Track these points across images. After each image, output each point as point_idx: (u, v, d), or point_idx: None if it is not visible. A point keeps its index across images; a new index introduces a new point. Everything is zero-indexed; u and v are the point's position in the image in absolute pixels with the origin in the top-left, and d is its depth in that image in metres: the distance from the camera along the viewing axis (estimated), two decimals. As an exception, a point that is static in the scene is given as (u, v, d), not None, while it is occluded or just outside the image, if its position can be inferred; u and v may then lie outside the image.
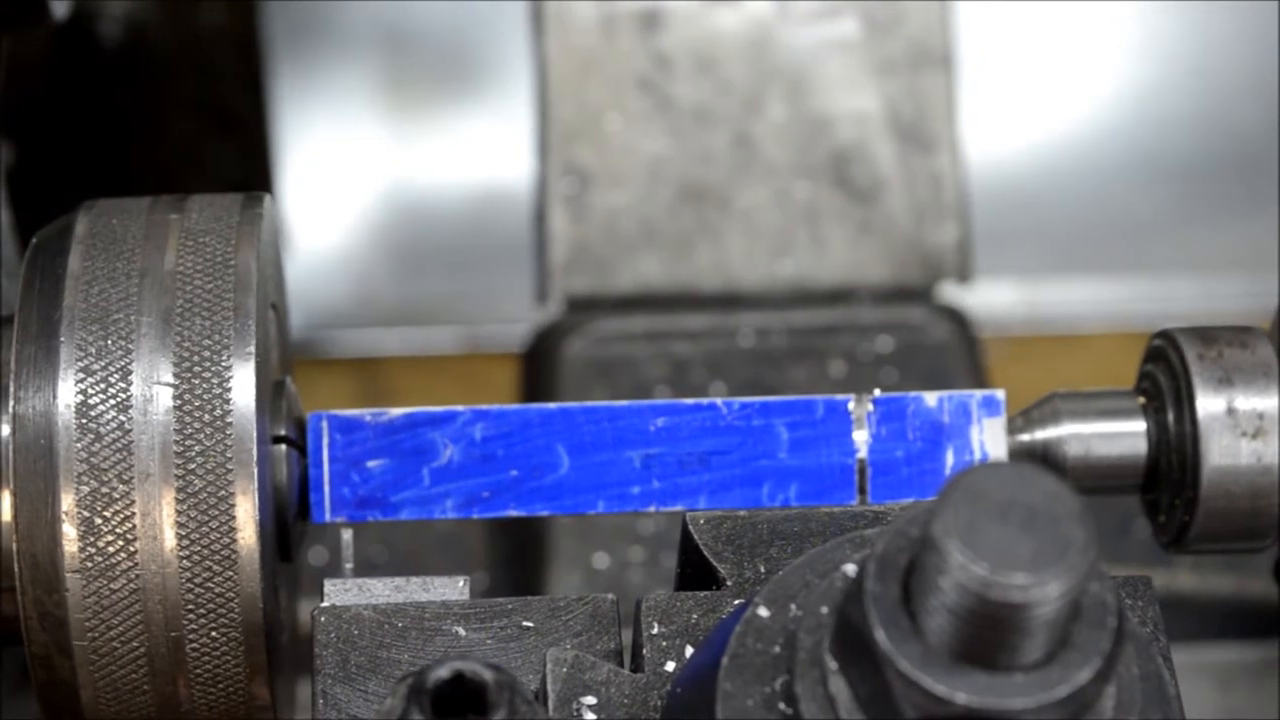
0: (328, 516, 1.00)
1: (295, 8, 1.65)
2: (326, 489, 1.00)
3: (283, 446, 0.99)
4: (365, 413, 1.00)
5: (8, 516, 0.94)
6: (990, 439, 1.02)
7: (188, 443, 0.93)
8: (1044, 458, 1.03)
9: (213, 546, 0.93)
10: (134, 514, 0.93)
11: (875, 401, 1.02)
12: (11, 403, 0.94)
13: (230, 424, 0.93)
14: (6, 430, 0.94)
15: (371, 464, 1.00)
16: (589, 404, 1.01)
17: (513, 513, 1.01)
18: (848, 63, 1.34)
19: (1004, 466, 0.75)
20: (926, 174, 1.33)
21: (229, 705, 0.96)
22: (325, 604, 0.93)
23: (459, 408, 1.01)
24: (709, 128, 1.34)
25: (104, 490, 0.93)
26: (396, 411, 1.01)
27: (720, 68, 1.34)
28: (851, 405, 1.02)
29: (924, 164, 1.33)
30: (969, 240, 1.34)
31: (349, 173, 1.67)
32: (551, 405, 1.02)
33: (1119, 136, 1.70)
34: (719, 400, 1.02)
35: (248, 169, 1.48)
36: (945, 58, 1.35)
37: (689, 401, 1.02)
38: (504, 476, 1.01)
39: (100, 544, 0.93)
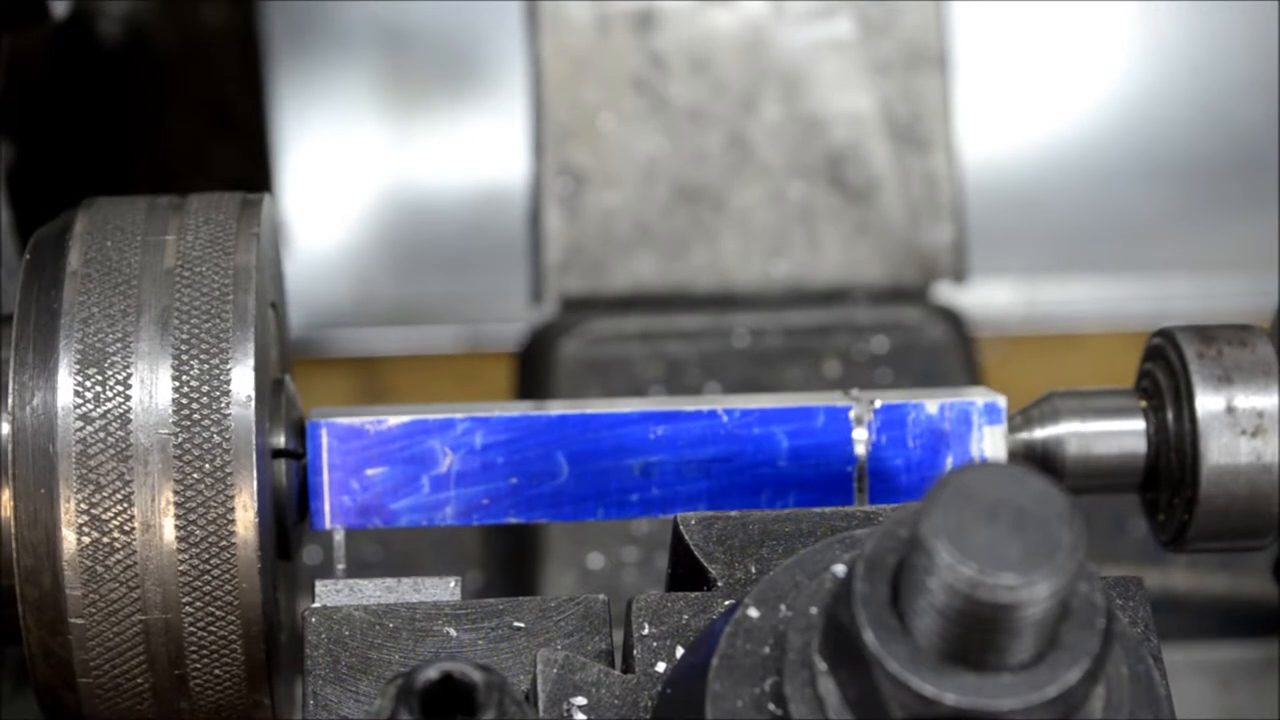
0: (328, 524, 1.00)
1: (295, 8, 1.65)
2: (326, 497, 1.00)
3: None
4: (365, 421, 1.00)
5: (7, 515, 0.94)
6: (991, 446, 1.02)
7: (187, 445, 0.93)
8: (1043, 456, 1.02)
9: (212, 546, 0.93)
10: (133, 513, 0.93)
11: (875, 412, 1.01)
12: (11, 401, 0.94)
13: (230, 423, 0.93)
14: (6, 429, 0.94)
15: (371, 472, 1.00)
16: (588, 411, 1.01)
17: (512, 520, 1.01)
18: (842, 63, 1.34)
19: (993, 467, 0.75)
20: (921, 174, 1.34)
21: (229, 705, 0.96)
22: (316, 605, 0.93)
23: (458, 416, 1.01)
24: (704, 128, 1.34)
25: (103, 492, 0.93)
26: (396, 419, 1.00)
27: (715, 68, 1.34)
28: (852, 413, 1.01)
29: (919, 164, 1.34)
30: (964, 240, 1.34)
31: (348, 172, 1.68)
32: (551, 413, 1.01)
33: (1118, 136, 1.70)
34: (719, 408, 1.01)
35: (248, 168, 1.49)
36: (940, 58, 1.35)
37: (689, 409, 1.01)
38: (503, 484, 1.01)
39: (99, 546, 0.93)
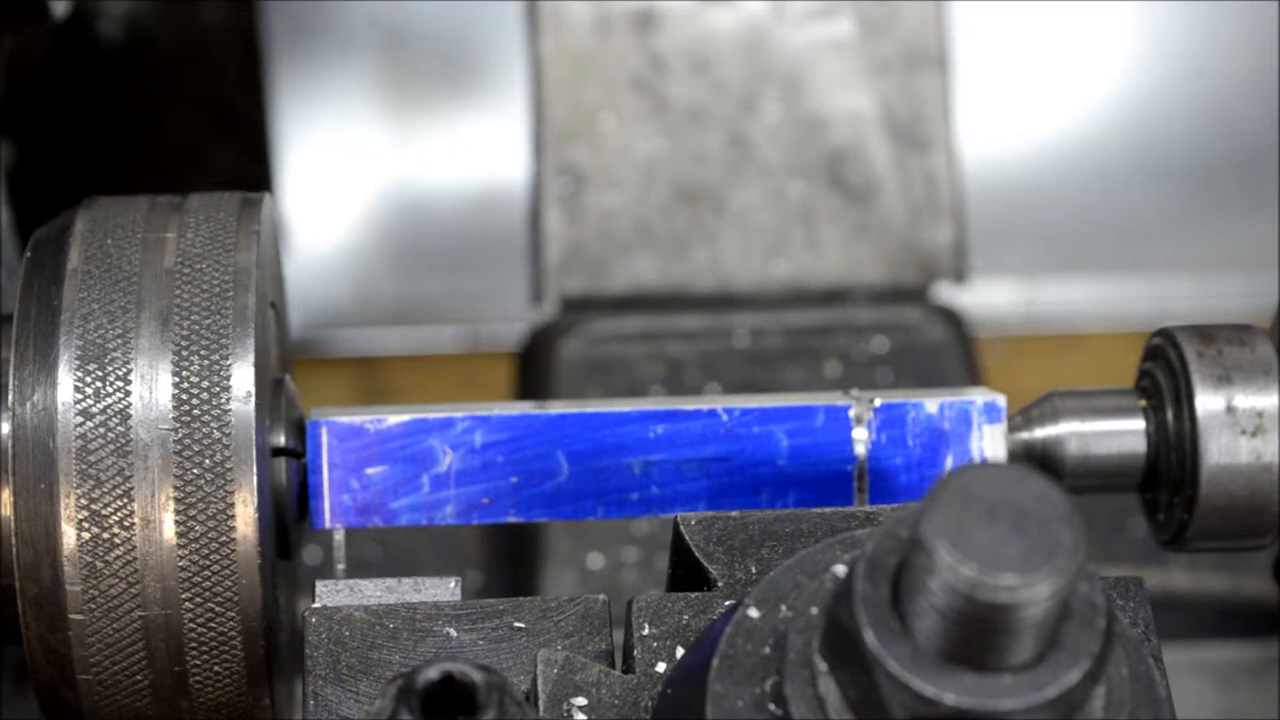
0: (328, 523, 1.00)
1: (295, 8, 1.65)
2: (326, 496, 1.00)
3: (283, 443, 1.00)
4: (365, 420, 1.00)
5: (7, 513, 0.94)
6: (991, 446, 1.02)
7: (187, 440, 0.93)
8: (1043, 456, 1.03)
9: (212, 544, 0.93)
10: (133, 511, 0.93)
11: (875, 411, 1.01)
12: (11, 400, 0.94)
13: (230, 422, 0.93)
14: (6, 428, 0.94)
15: (371, 471, 1.00)
16: (588, 410, 1.01)
17: (512, 519, 1.01)
18: (843, 63, 1.34)
19: (993, 467, 0.75)
20: (922, 174, 1.34)
21: (229, 702, 0.96)
22: (316, 605, 0.92)
23: (458, 415, 1.01)
24: (704, 128, 1.34)
25: (103, 488, 0.93)
26: (396, 418, 1.00)
27: (715, 68, 1.34)
28: (852, 412, 1.01)
29: (919, 164, 1.34)
30: (964, 240, 1.34)
31: (348, 172, 1.68)
32: (551, 412, 1.01)
33: (1118, 136, 1.70)
34: (719, 407, 1.01)
35: (248, 168, 1.49)
36: (940, 58, 1.35)
37: (689, 408, 1.01)
38: (503, 483, 1.01)
39: (99, 541, 0.93)
